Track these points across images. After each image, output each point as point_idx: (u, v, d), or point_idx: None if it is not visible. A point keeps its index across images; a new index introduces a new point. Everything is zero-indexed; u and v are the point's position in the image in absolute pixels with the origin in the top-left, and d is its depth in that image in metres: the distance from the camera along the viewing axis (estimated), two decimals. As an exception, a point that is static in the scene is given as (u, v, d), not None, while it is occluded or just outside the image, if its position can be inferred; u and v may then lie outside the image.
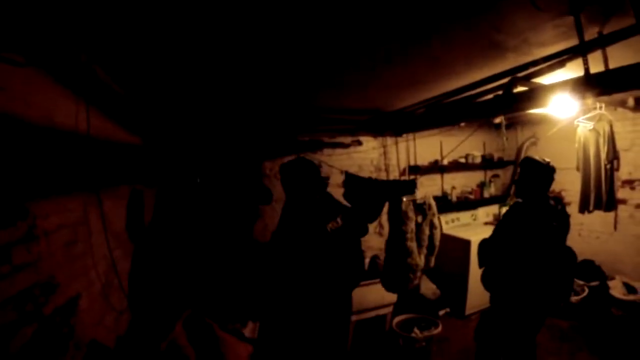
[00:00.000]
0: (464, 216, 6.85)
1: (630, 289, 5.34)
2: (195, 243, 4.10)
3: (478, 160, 7.11)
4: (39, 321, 1.83)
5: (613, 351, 4.58)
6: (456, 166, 7.00)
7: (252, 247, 4.49)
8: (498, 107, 3.66)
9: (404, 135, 6.21)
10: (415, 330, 4.88)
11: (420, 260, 4.55)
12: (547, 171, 3.49)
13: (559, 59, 2.97)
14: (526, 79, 3.26)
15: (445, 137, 6.82)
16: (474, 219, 6.97)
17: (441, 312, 5.87)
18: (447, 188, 7.03)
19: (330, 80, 3.58)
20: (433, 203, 4.72)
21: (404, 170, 6.45)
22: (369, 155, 6.27)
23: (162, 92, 3.54)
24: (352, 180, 4.84)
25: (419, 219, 4.60)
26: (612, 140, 4.98)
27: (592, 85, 2.74)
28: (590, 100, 4.09)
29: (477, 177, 7.45)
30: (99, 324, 2.54)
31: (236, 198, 4.48)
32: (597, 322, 5.28)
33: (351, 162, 6.02)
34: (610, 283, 5.54)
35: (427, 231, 4.65)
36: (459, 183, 7.19)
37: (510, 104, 3.41)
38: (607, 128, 4.97)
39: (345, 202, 4.56)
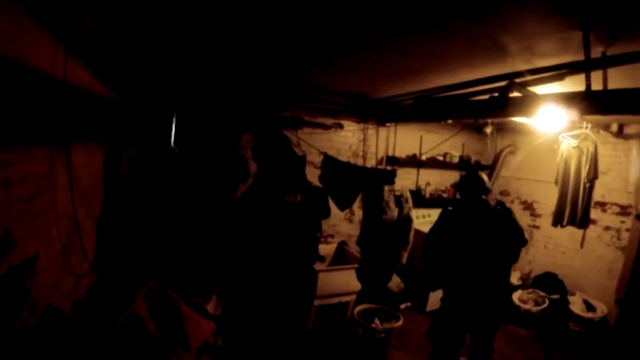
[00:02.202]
0: (435, 213, 6.61)
1: (589, 306, 5.43)
2: (166, 208, 3.91)
3: (456, 160, 7.09)
4: (-10, 282, 1.66)
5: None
6: (434, 163, 6.98)
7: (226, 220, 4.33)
8: (492, 108, 3.60)
9: (387, 125, 6.10)
10: (376, 321, 4.87)
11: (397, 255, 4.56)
12: (472, 173, 3.86)
13: (559, 72, 2.93)
14: (522, 86, 3.21)
15: (426, 133, 6.82)
16: (444, 218, 6.92)
17: (402, 306, 5.87)
18: (422, 183, 7.03)
19: (321, 59, 3.44)
20: (409, 196, 4.71)
21: (382, 159, 6.34)
22: (348, 140, 6.17)
23: (146, 47, 3.31)
24: (330, 163, 4.78)
25: (396, 211, 4.56)
26: (595, 160, 5.08)
27: (593, 102, 2.72)
28: (577, 119, 4.12)
29: (452, 176, 7.43)
30: (56, 287, 2.34)
31: (213, 170, 4.29)
32: (555, 334, 5.37)
33: (330, 144, 5.89)
34: (571, 298, 5.64)
35: (402, 224, 4.62)
36: (434, 180, 7.19)
37: (505, 107, 3.37)
38: (591, 148, 5.06)
39: (318, 184, 4.50)
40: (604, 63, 2.63)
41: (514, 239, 3.62)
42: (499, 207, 3.76)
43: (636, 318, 4.53)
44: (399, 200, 4.63)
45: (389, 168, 6.03)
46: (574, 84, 2.90)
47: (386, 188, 4.50)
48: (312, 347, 4.66)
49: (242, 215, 3.89)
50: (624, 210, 5.58)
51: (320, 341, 4.82)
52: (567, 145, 5.29)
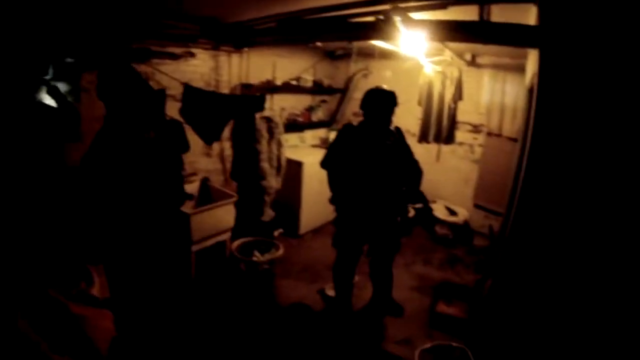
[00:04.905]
0: (292, 138, 6.60)
1: (451, 211, 5.99)
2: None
3: (309, 84, 6.69)
4: None
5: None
6: (288, 88, 6.42)
7: (67, 177, 3.32)
8: (375, 31, 3.22)
9: (241, 51, 5.43)
10: (256, 253, 4.56)
11: (275, 182, 4.32)
12: (390, 97, 3.48)
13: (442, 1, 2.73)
14: (403, 11, 2.91)
15: (279, 58, 6.24)
16: (302, 141, 6.83)
17: (276, 233, 5.58)
18: (277, 109, 6.50)
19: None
20: (279, 121, 4.34)
21: (236, 87, 5.63)
22: (199, 69, 5.22)
23: None
24: (192, 94, 4.16)
25: (267, 138, 4.19)
26: (459, 83, 5.43)
27: (484, 32, 2.68)
28: (442, 46, 4.28)
29: (306, 100, 7.09)
30: None
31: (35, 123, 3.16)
32: (424, 238, 5.99)
33: (180, 75, 4.78)
34: (434, 205, 6.10)
35: (275, 150, 4.30)
36: (288, 105, 6.72)
37: (389, 31, 3.05)
38: (456, 73, 5.42)
39: (180, 118, 3.89)
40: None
41: (410, 170, 3.66)
42: (396, 131, 3.58)
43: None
44: (270, 126, 4.20)
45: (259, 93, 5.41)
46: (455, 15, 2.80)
47: (257, 115, 3.99)
48: (200, 292, 4.20)
49: (100, 162, 3.03)
50: (475, 129, 6.02)
51: (207, 284, 4.36)
52: (432, 69, 5.49)
